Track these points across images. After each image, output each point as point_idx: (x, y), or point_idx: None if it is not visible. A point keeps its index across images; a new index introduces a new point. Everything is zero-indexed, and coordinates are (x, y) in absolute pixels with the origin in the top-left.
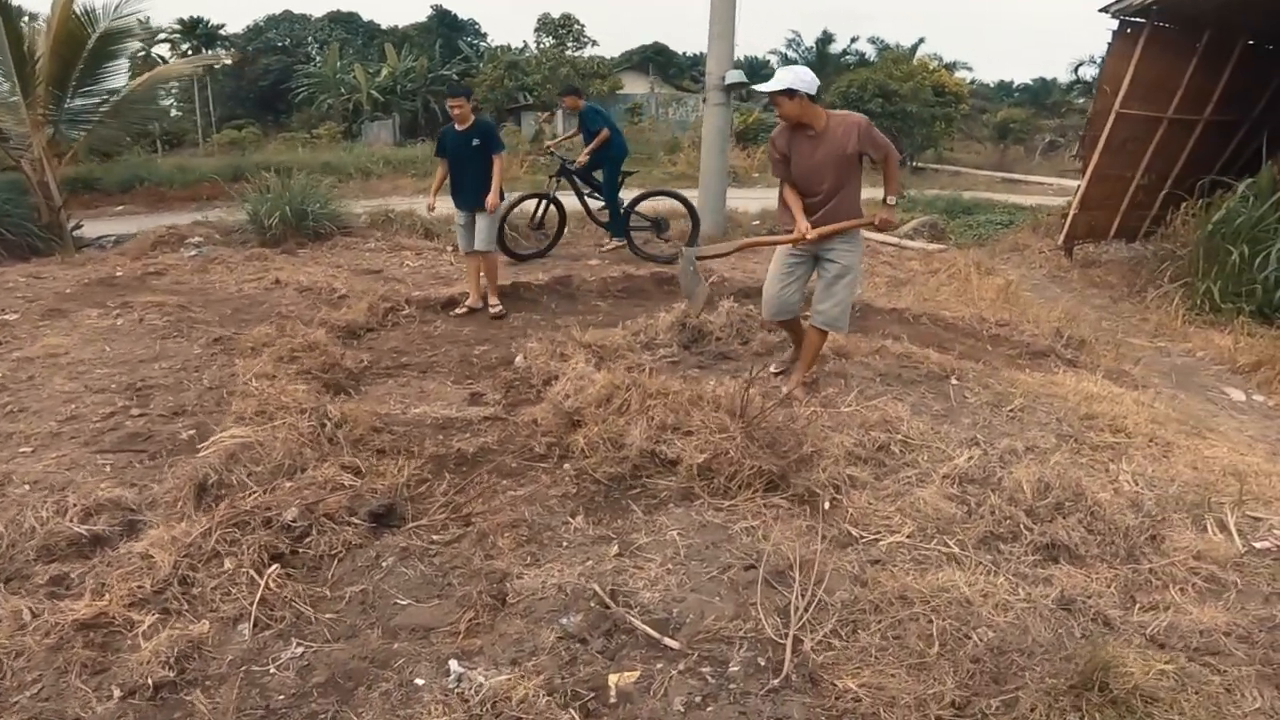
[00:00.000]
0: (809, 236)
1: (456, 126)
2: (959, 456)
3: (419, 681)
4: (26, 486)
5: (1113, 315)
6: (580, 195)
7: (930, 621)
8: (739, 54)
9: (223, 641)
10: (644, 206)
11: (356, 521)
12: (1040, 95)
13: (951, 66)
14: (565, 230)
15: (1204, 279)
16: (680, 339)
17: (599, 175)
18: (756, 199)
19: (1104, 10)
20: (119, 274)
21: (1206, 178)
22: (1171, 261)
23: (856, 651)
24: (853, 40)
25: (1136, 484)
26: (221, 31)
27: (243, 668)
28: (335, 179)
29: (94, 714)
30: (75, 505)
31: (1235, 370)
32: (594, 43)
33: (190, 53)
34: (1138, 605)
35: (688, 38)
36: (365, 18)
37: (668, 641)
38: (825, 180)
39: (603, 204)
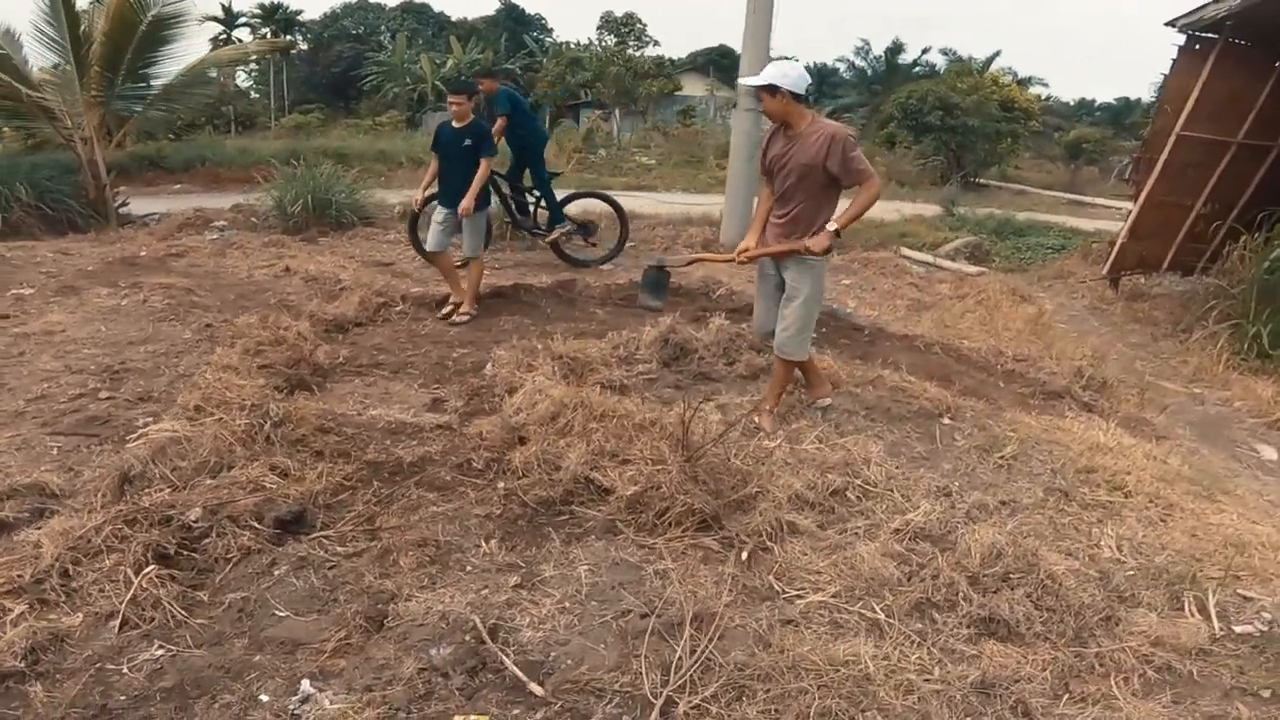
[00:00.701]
0: (738, 259)
1: (454, 123)
2: (919, 508)
3: (264, 698)
4: None
5: (1150, 355)
6: (505, 201)
7: (816, 699)
8: (809, 61)
9: (89, 637)
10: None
11: (259, 527)
12: (1121, 115)
13: (1026, 82)
14: (491, 232)
15: (1254, 321)
16: (661, 355)
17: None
18: None
19: (1171, 24)
20: (142, 254)
21: (1272, 210)
22: (1221, 300)
23: None
24: (924, 51)
25: (1120, 551)
26: (299, 17)
27: (97, 665)
28: (386, 166)
29: None
30: None
31: (1273, 425)
32: (655, 42)
33: (269, 36)
34: (1068, 695)
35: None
36: (436, 9)
37: (533, 687)
38: (790, 188)
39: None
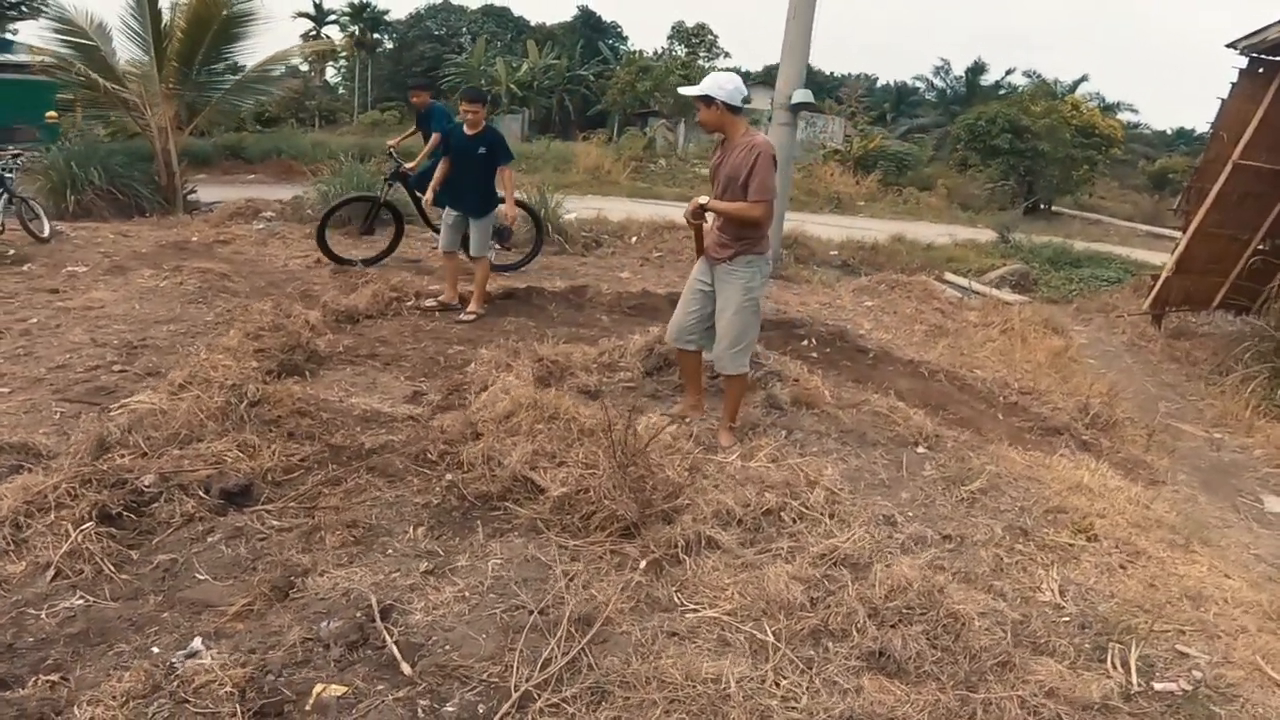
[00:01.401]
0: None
1: (466, 130)
2: (851, 535)
3: (155, 650)
4: None
5: (1177, 396)
6: (418, 202)
7: (663, 712)
8: (886, 79)
9: (23, 584)
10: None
11: (205, 496)
12: None
13: (1113, 108)
14: (402, 239)
15: None
16: (645, 364)
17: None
18: (849, 228)
19: (1231, 46)
20: (193, 239)
21: None
22: (1262, 341)
23: None
24: (1008, 72)
25: (1060, 595)
26: (386, 17)
27: (20, 609)
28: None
29: None
30: None
31: None
32: (726, 54)
33: (356, 33)
34: None
35: (836, 59)
36: (516, 13)
37: (404, 666)
38: (720, 197)
39: None
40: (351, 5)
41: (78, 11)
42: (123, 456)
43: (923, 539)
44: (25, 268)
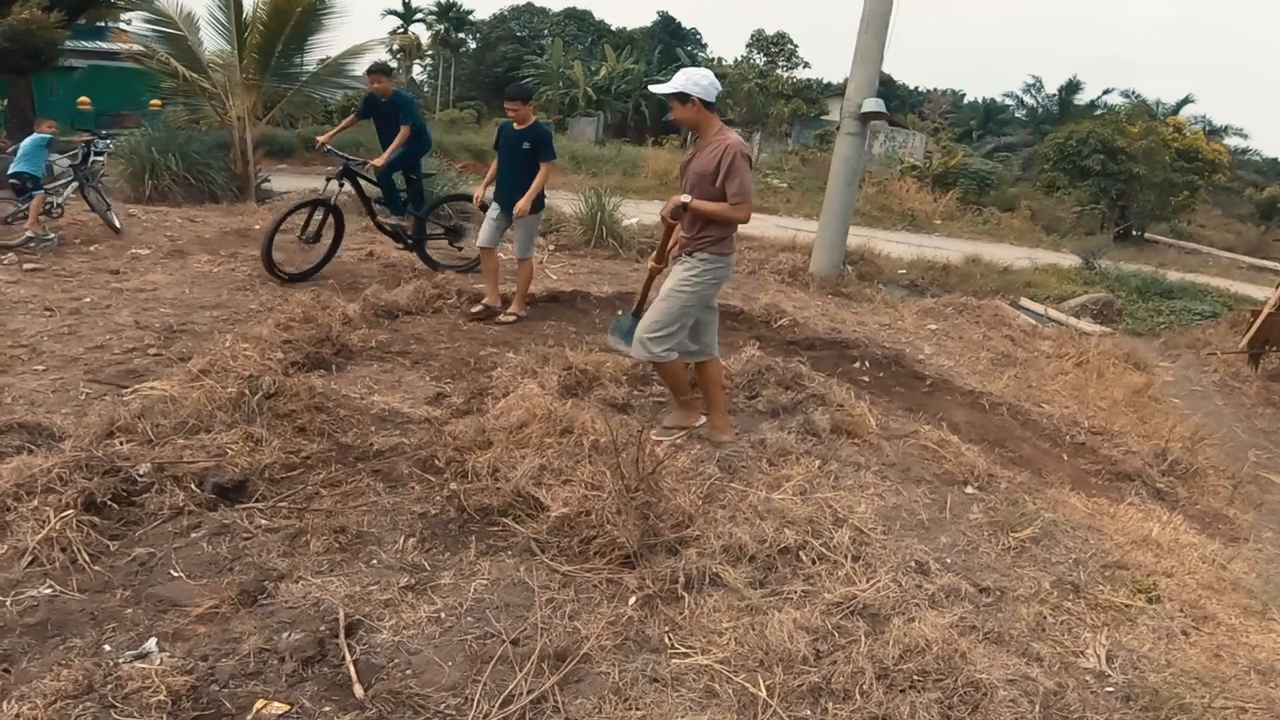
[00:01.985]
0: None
1: (515, 125)
2: (876, 582)
3: (107, 648)
4: (2, 398)
5: (1270, 443)
6: (366, 201)
7: None
8: (974, 95)
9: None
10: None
11: (196, 490)
12: None
13: (1219, 131)
14: (342, 244)
15: None
16: None
17: (397, 180)
18: (922, 246)
19: None
20: (256, 227)
21: None
22: None
23: None
24: (1105, 92)
25: (1107, 663)
26: (470, 17)
27: None
28: None
29: None
30: None
31: None
32: (805, 64)
33: (442, 32)
34: None
35: (920, 72)
36: (597, 16)
37: (356, 689)
38: (691, 194)
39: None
40: (438, 4)
41: (169, 2)
42: (126, 443)
43: (956, 591)
44: (93, 248)
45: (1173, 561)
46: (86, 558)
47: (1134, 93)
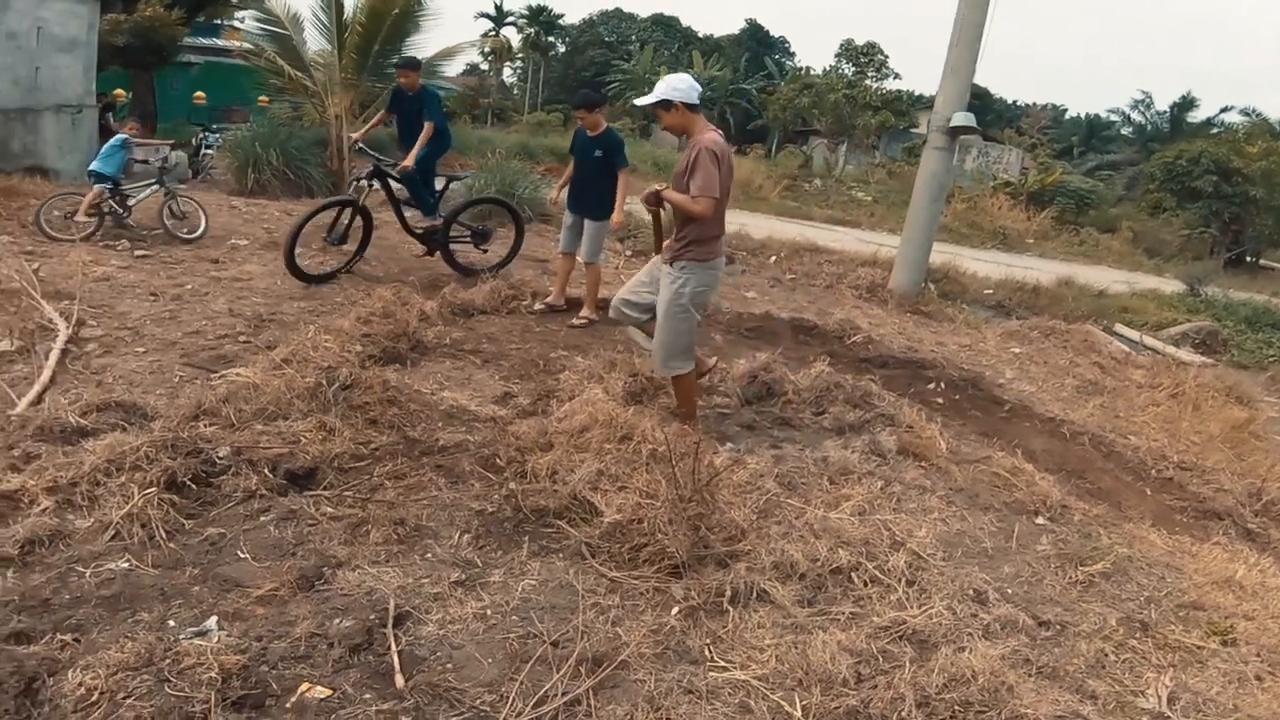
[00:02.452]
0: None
1: (588, 132)
2: (930, 609)
3: (171, 623)
4: (105, 377)
5: None
6: (396, 204)
7: None
8: (1076, 110)
9: (83, 541)
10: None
11: (269, 475)
12: None
13: None
14: (369, 246)
15: None
16: (746, 392)
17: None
18: (1011, 266)
19: None
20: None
21: None
22: None
23: None
24: (1222, 110)
25: (1167, 705)
26: (560, 21)
27: (70, 565)
28: None
29: None
30: (85, 400)
31: None
32: (896, 75)
33: (533, 35)
34: None
35: (1017, 85)
36: (684, 23)
37: (398, 679)
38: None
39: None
40: (529, 8)
41: (278, 3)
42: (210, 426)
43: (1013, 623)
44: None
45: (1255, 605)
46: (163, 535)
47: (1255, 110)
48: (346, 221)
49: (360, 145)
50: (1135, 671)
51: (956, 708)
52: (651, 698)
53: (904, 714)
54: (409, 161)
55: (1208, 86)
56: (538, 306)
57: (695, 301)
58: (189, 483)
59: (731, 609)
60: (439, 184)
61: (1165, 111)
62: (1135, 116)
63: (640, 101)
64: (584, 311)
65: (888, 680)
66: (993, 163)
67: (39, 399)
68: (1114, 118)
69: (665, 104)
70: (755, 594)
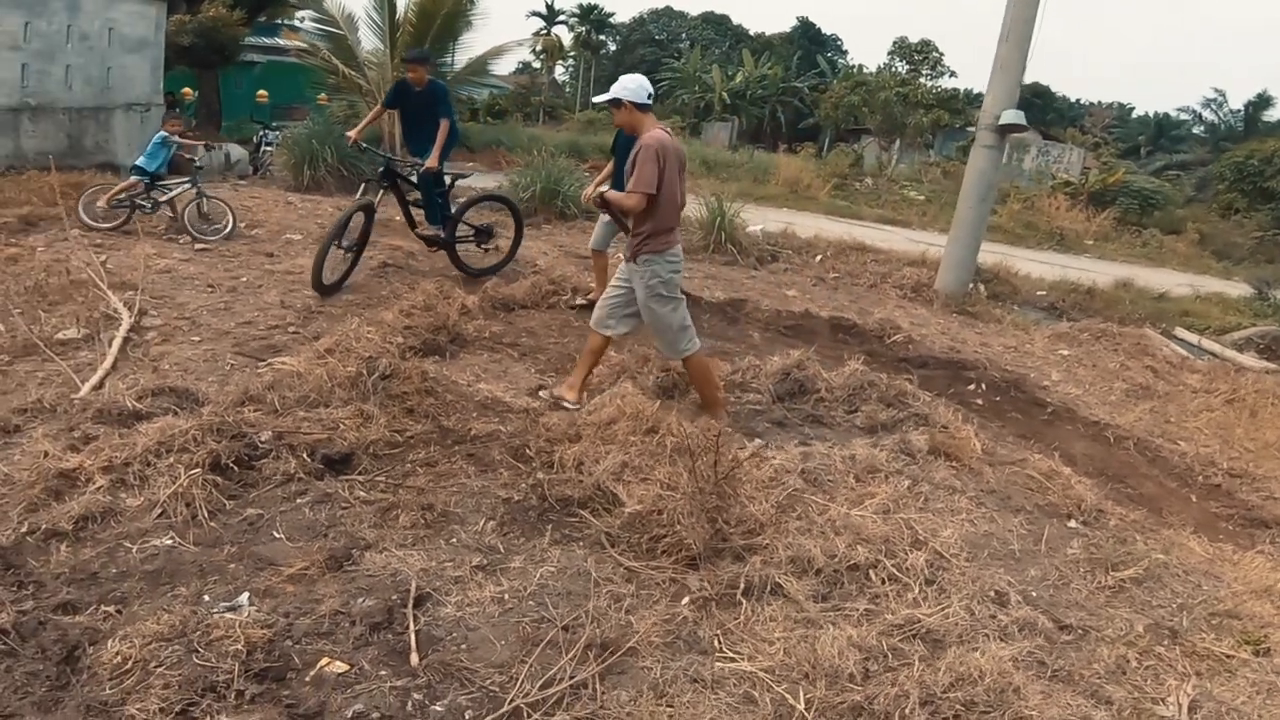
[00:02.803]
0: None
1: (626, 131)
2: (943, 608)
3: (206, 598)
4: (161, 364)
5: None
6: (406, 207)
7: None
8: (1144, 110)
9: (133, 519)
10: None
11: (308, 460)
12: None
13: None
14: (364, 254)
15: None
16: (778, 389)
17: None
18: (1068, 267)
19: None
20: (396, 218)
21: None
22: None
23: None
24: None
25: (1188, 713)
26: (611, 20)
27: (119, 540)
28: None
29: (5, 539)
30: (142, 386)
31: None
32: (952, 73)
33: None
34: None
35: (1080, 83)
36: (735, 21)
37: (412, 657)
38: None
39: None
40: (580, 6)
41: (333, 3)
42: (254, 411)
43: (1031, 625)
44: (254, 233)
45: None
46: (205, 514)
47: None
48: (360, 226)
49: (362, 143)
50: (1158, 679)
51: (960, 707)
52: (657, 685)
53: (907, 711)
54: (434, 162)
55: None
56: (578, 302)
57: (668, 286)
58: (232, 465)
59: (744, 601)
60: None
61: (1239, 110)
62: (1207, 115)
63: (597, 99)
64: (594, 295)
65: (894, 678)
66: (1053, 162)
67: (100, 384)
68: (1184, 116)
69: (616, 102)
70: (769, 588)
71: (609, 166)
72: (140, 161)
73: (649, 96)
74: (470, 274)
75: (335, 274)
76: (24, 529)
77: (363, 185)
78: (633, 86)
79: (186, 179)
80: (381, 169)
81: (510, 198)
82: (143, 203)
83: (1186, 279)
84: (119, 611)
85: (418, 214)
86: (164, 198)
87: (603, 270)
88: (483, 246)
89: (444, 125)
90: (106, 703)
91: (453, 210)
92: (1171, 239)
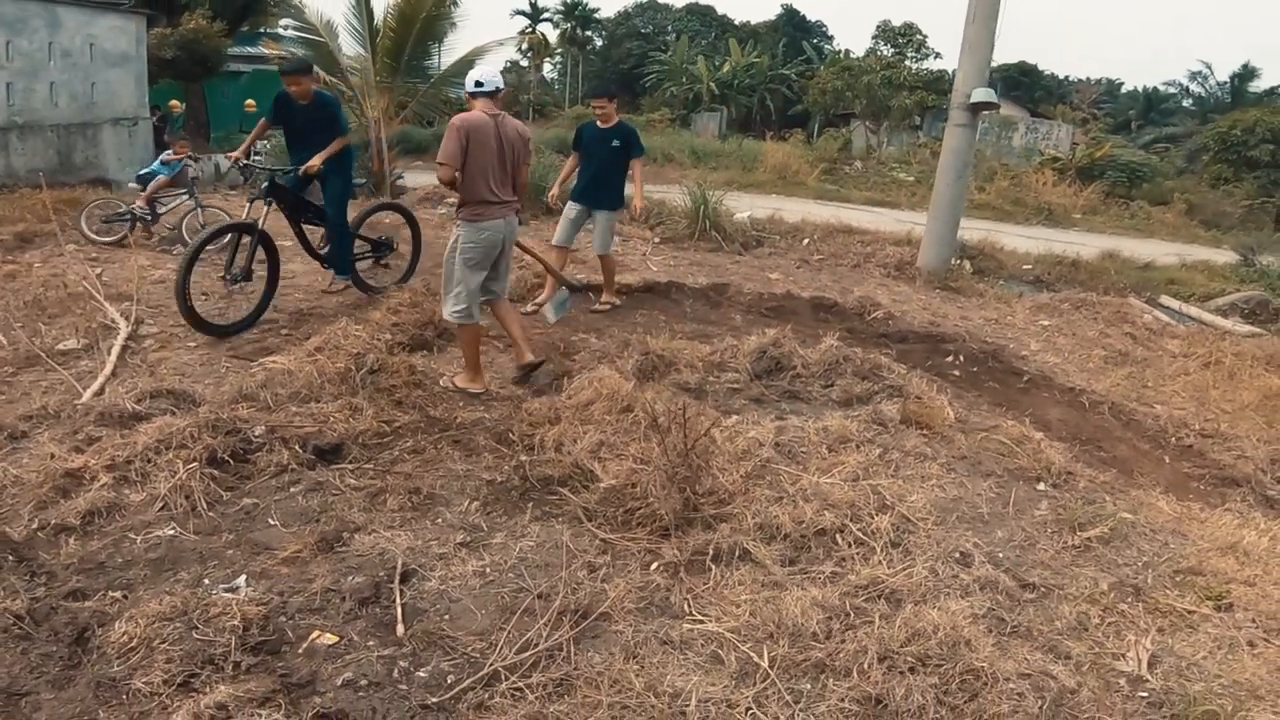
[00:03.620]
0: None
1: (599, 124)
2: (905, 569)
3: (206, 581)
4: (159, 368)
5: None
6: (296, 221)
7: (608, 716)
8: (1133, 85)
9: (136, 512)
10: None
11: (300, 452)
12: None
13: None
14: (280, 278)
15: None
16: (755, 367)
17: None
18: (1054, 241)
19: None
20: (385, 220)
21: None
22: None
23: (520, 713)
24: None
25: (1146, 668)
26: (595, 15)
27: (124, 533)
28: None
29: (17, 535)
30: (140, 389)
31: None
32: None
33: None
34: None
35: (1067, 60)
36: (720, 11)
37: (399, 628)
38: None
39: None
40: (564, 4)
41: (312, 10)
42: (248, 409)
43: (994, 584)
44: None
45: (1258, 570)
46: (204, 505)
47: None
48: (247, 254)
49: (244, 161)
50: (1119, 635)
51: (915, 660)
52: (628, 646)
53: (865, 666)
54: (316, 162)
55: (1269, 57)
56: (529, 309)
57: (465, 255)
58: (228, 459)
59: (714, 567)
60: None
61: (1225, 83)
62: (1194, 89)
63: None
64: (605, 297)
65: (855, 635)
66: (1041, 139)
67: (101, 390)
68: (1172, 90)
69: (472, 95)
70: (738, 554)
71: (571, 164)
72: (144, 171)
73: (476, 85)
74: (371, 293)
75: (238, 312)
76: (35, 525)
77: (249, 204)
78: (469, 77)
79: (183, 190)
80: (265, 184)
81: (405, 204)
82: (144, 215)
83: (1175, 249)
84: (125, 596)
85: (313, 232)
86: (163, 210)
87: (561, 266)
88: (382, 263)
89: (337, 141)
90: (115, 678)
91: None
92: (1160, 210)
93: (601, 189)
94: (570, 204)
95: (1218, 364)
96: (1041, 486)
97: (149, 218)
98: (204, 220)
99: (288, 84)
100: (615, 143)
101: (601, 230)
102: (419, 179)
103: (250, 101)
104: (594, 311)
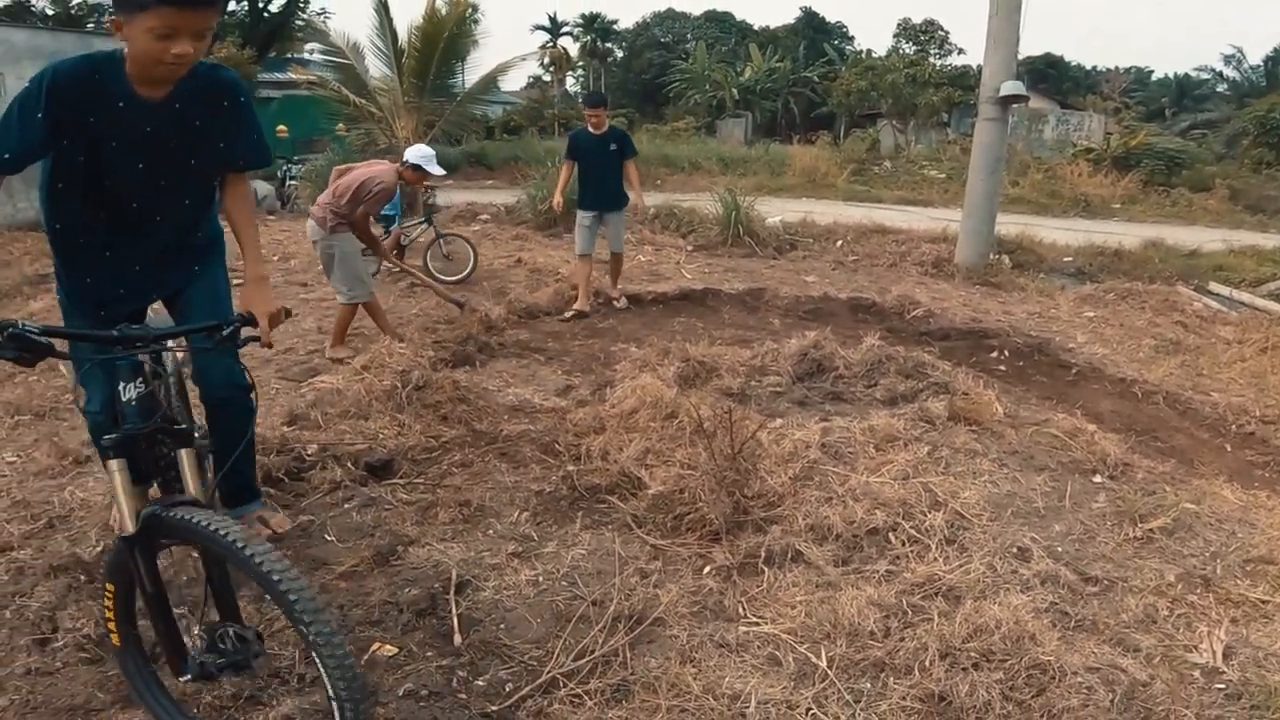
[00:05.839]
0: None
1: (592, 131)
2: (963, 565)
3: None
4: None
5: None
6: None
7: None
8: (1162, 72)
9: None
10: None
11: (353, 468)
12: None
13: None
14: None
15: None
16: (797, 369)
17: None
18: (1094, 232)
19: None
20: (420, 240)
21: None
22: None
23: (579, 719)
24: None
25: (1222, 660)
26: (615, 27)
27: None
28: (667, 171)
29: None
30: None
31: None
32: (960, 50)
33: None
34: None
35: (1095, 50)
36: (738, 17)
37: (456, 638)
38: None
39: None
40: (583, 16)
41: (337, 34)
42: (300, 429)
43: (1055, 578)
44: (288, 264)
45: None
46: None
47: None
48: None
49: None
50: (1190, 627)
51: (978, 656)
52: (684, 650)
53: (926, 663)
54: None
55: None
56: (567, 315)
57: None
58: (283, 477)
59: (766, 569)
60: None
61: (1259, 66)
62: (1229, 73)
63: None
64: (615, 293)
65: (914, 633)
66: (1073, 130)
67: None
68: (1205, 76)
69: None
70: (790, 555)
71: (566, 172)
72: None
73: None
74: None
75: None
76: (102, 547)
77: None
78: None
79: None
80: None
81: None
82: None
83: (1220, 235)
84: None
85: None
86: None
87: (588, 278)
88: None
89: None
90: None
91: None
92: (1201, 196)
93: (609, 193)
94: (582, 213)
95: (1275, 349)
96: (1098, 479)
97: None
98: None
99: None
100: (613, 146)
101: (617, 229)
102: (452, 197)
103: (282, 127)
104: (621, 310)
